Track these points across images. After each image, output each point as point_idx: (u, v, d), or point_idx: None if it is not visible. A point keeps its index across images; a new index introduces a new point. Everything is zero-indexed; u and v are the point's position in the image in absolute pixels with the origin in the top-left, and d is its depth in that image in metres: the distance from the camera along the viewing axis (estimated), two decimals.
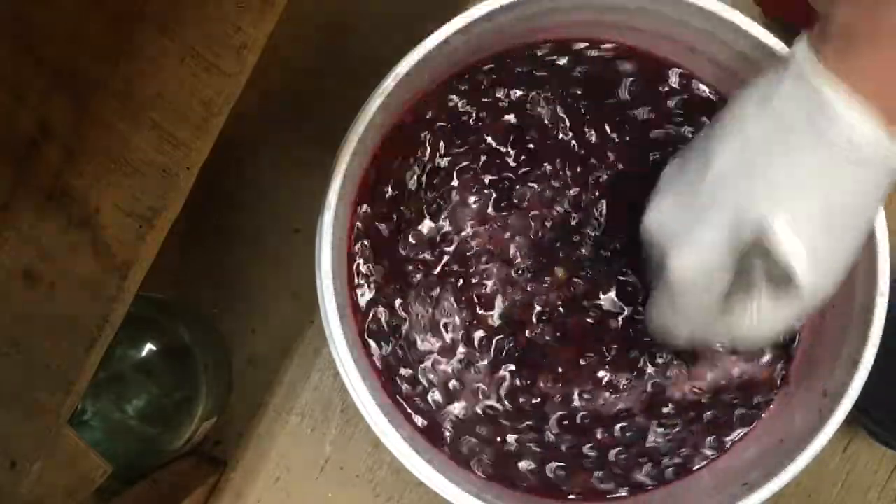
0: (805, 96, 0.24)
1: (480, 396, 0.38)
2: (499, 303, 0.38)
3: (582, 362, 0.38)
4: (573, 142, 0.39)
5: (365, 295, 0.38)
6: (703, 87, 0.39)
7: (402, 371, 0.38)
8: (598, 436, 0.38)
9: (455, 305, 0.38)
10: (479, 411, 0.38)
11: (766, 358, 0.38)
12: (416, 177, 0.38)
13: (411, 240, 0.38)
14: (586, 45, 0.39)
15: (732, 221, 0.26)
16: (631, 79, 0.39)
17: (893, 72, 0.24)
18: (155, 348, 0.46)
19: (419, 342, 0.38)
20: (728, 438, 0.38)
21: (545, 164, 0.38)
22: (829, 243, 0.26)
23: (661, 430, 0.38)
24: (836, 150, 0.24)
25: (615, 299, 0.38)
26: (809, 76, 0.24)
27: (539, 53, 0.39)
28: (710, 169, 0.27)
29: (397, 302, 0.38)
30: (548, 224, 0.38)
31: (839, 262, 0.27)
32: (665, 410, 0.38)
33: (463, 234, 0.38)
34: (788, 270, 0.26)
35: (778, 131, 0.25)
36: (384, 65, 0.34)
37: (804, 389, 0.37)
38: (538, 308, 0.38)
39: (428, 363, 0.38)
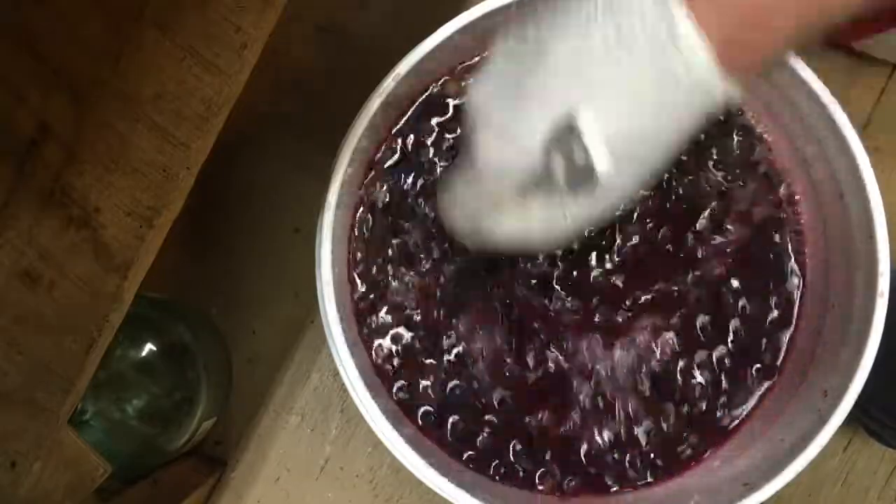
0: (657, 12, 0.25)
1: (480, 393, 0.38)
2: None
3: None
4: None
5: (365, 294, 0.38)
6: None
7: (403, 370, 0.38)
8: (597, 435, 0.38)
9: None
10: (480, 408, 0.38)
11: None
12: (415, 175, 0.38)
13: (412, 239, 0.38)
14: None
15: (550, 121, 0.26)
16: None
17: (734, 9, 0.25)
18: (155, 348, 0.46)
19: (419, 342, 0.38)
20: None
21: None
22: (634, 152, 0.26)
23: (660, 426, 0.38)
24: (668, 69, 0.25)
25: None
26: None
27: None
28: (543, 66, 0.26)
29: (398, 301, 0.38)
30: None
31: (638, 174, 0.27)
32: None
33: None
34: (589, 166, 0.26)
35: (619, 42, 0.25)
36: (384, 65, 0.34)
37: (804, 389, 0.37)
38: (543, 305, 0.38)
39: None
